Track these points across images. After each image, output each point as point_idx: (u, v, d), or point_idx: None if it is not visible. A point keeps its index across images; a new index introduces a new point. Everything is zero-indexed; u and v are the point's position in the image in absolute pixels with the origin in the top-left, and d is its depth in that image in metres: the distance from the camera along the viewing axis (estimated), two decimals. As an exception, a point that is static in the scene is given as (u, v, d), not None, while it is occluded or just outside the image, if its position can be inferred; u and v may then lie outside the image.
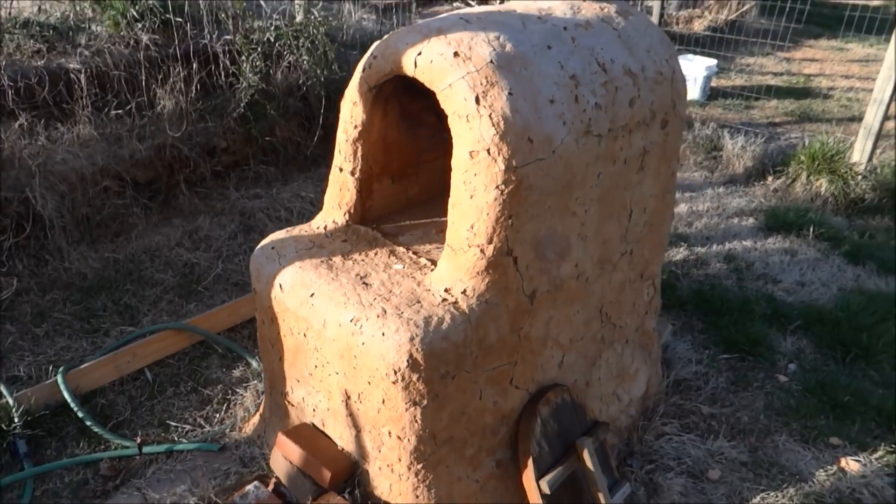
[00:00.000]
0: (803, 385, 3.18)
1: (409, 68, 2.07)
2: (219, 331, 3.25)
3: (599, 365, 2.69)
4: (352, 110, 2.32)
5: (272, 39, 4.22)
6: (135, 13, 4.22)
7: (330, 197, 2.50)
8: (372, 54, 2.19)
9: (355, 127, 2.33)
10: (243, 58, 4.23)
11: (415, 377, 2.01)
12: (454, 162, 2.04)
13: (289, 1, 4.78)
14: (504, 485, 2.36)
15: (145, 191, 4.02)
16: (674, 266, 4.01)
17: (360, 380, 2.14)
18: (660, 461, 2.75)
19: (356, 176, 2.41)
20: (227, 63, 4.24)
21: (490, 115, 1.95)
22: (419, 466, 2.16)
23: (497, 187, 1.99)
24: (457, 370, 2.08)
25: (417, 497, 2.20)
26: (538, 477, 2.28)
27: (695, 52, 7.43)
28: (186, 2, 4.24)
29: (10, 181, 3.43)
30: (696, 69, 6.73)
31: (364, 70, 2.22)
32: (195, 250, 3.80)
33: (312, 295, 2.21)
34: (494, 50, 2.03)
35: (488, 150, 1.96)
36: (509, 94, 1.97)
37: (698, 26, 9.33)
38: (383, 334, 2.01)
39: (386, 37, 2.20)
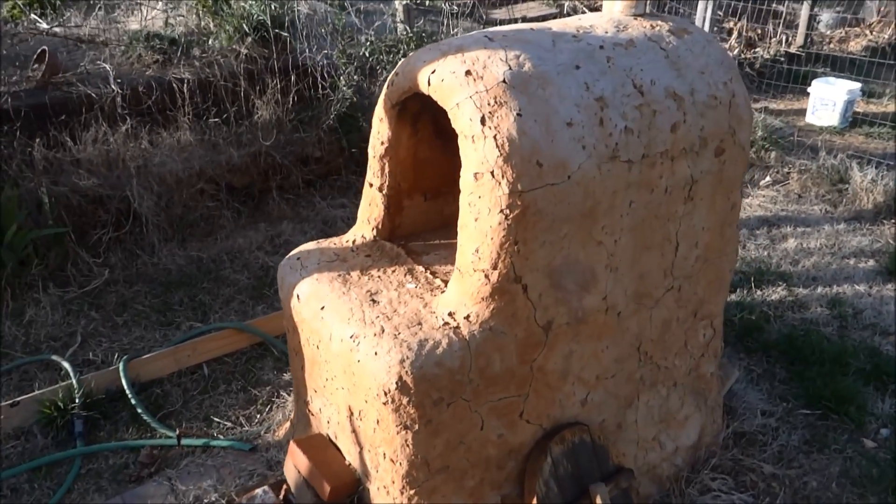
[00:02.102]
0: (893, 454, 2.80)
1: (423, 86, 2.04)
2: (278, 334, 3.35)
3: (637, 407, 2.51)
4: (378, 127, 2.32)
5: (367, 54, 4.34)
6: (247, 28, 4.48)
7: (361, 212, 2.51)
8: (395, 72, 2.18)
9: (382, 143, 2.33)
10: (340, 71, 4.38)
11: (405, 400, 1.96)
12: (461, 183, 1.98)
13: (389, 16, 4.90)
14: (509, 522, 2.25)
15: (238, 195, 4.25)
16: (766, 307, 3.68)
17: (359, 397, 2.12)
18: (700, 519, 2.52)
19: (384, 192, 2.41)
20: (325, 76, 4.40)
21: (495, 137, 1.88)
22: (412, 492, 2.10)
23: (501, 211, 1.91)
24: (453, 397, 2.01)
25: (411, 523, 2.15)
26: (542, 519, 2.15)
27: (839, 76, 6.81)
28: (287, 18, 4.44)
29: (113, 180, 3.75)
30: (835, 93, 6.16)
31: (388, 87, 2.21)
32: (274, 254, 3.95)
33: (323, 308, 2.22)
34: (510, 69, 1.95)
35: (492, 173, 1.89)
36: (518, 114, 1.89)
37: (854, 46, 8.56)
38: (376, 353, 1.98)
39: (411, 54, 2.19)
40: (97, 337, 3.33)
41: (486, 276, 1.98)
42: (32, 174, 3.60)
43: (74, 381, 2.91)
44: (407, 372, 1.93)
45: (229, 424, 2.89)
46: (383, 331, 2.03)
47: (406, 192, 2.46)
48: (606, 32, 2.23)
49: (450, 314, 2.05)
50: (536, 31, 2.16)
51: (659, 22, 2.35)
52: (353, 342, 2.06)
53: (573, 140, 1.96)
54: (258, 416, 2.94)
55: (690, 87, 2.23)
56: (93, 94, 3.83)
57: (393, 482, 2.12)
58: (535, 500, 2.16)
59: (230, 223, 4.13)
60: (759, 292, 3.80)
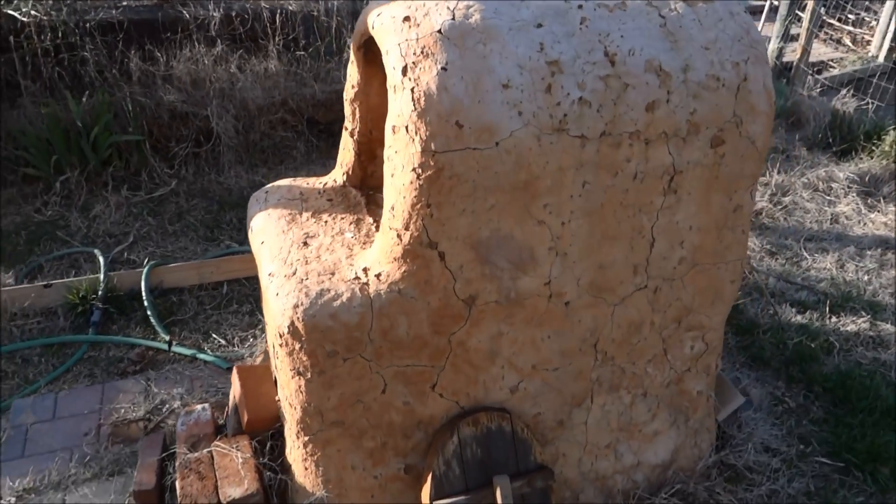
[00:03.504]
0: (912, 531, 2.36)
1: (370, 28, 1.95)
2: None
3: (590, 409, 2.30)
4: (350, 69, 2.25)
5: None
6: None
7: (338, 156, 2.47)
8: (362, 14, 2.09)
9: (352, 87, 2.27)
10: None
11: (297, 346, 1.94)
12: (385, 135, 1.88)
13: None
14: (410, 492, 2.18)
15: (316, 130, 4.35)
16: (835, 336, 3.19)
17: (273, 336, 2.12)
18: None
19: (355, 138, 2.35)
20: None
21: (412, 90, 1.76)
22: (306, 439, 2.09)
23: (413, 170, 1.80)
24: (350, 353, 1.95)
25: (306, 469, 2.14)
26: (435, 497, 2.06)
27: None
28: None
29: (197, 99, 3.98)
30: None
31: (355, 29, 2.14)
32: (332, 192, 4.03)
33: (263, 242, 2.23)
34: (452, 19, 1.80)
35: (406, 128, 1.78)
36: (442, 68, 1.75)
37: None
38: (277, 294, 1.97)
39: (377, -5, 2.09)
40: (147, 240, 3.61)
41: (399, 236, 1.88)
42: (127, 84, 3.92)
43: (101, 276, 3.18)
44: (299, 318, 1.90)
45: (223, 342, 3.03)
46: (294, 273, 2.01)
47: (379, 140, 2.37)
48: (599, -10, 1.99)
49: (364, 269, 1.98)
50: (512, -18, 1.97)
51: (675, -15, 2.06)
52: (269, 280, 2.06)
53: (506, 104, 1.78)
54: (251, 339, 3.06)
55: (685, 62, 1.94)
56: (187, 16, 4.07)
57: (291, 426, 2.12)
58: (430, 476, 2.06)
59: (301, 155, 4.26)
60: (833, 319, 3.31)
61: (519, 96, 1.79)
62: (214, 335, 3.06)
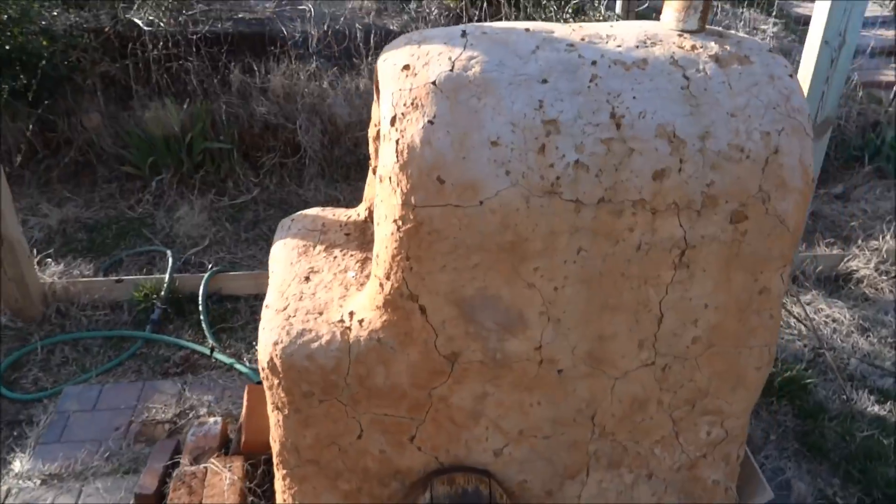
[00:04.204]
0: None
1: (378, 72, 1.93)
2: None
3: (584, 483, 2.17)
4: (374, 108, 2.24)
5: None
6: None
7: (364, 191, 2.48)
8: (381, 53, 2.08)
9: (374, 125, 2.26)
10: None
11: (275, 382, 1.96)
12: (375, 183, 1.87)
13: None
14: (383, 541, 2.14)
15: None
16: (917, 434, 2.82)
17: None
18: None
19: (376, 175, 2.34)
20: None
21: (398, 141, 1.73)
22: (284, 472, 2.11)
23: (394, 221, 1.77)
24: (326, 396, 1.95)
25: (284, 501, 2.16)
26: (400, 553, 2.01)
27: None
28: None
29: (288, 112, 4.13)
30: None
31: (375, 70, 2.13)
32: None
33: (273, 272, 2.27)
34: (451, 70, 1.76)
35: (390, 179, 1.75)
36: (429, 122, 1.71)
37: None
38: (264, 328, 2.00)
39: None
40: (220, 245, 3.79)
41: (381, 285, 1.86)
42: (225, 94, 4.13)
43: (167, 277, 3.37)
44: (277, 355, 1.92)
45: (263, 355, 3.11)
46: (285, 308, 2.03)
47: (401, 179, 2.36)
48: (619, 46, 1.86)
49: (350, 313, 1.97)
50: (526, 34, 1.88)
51: (711, 43, 1.89)
52: (264, 311, 2.10)
53: (493, 162, 1.71)
54: (290, 355, 3.12)
55: (704, 129, 1.78)
56: (285, 32, 4.23)
57: (274, 457, 2.15)
58: (398, 531, 2.02)
59: (382, 174, 4.30)
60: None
61: (508, 155, 1.71)
62: (256, 346, 3.16)
